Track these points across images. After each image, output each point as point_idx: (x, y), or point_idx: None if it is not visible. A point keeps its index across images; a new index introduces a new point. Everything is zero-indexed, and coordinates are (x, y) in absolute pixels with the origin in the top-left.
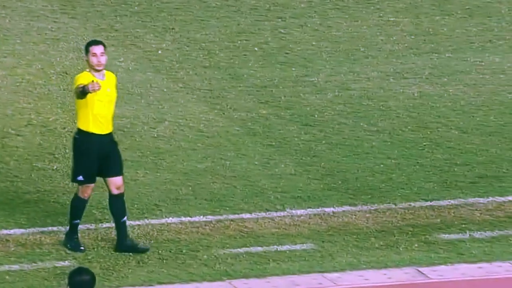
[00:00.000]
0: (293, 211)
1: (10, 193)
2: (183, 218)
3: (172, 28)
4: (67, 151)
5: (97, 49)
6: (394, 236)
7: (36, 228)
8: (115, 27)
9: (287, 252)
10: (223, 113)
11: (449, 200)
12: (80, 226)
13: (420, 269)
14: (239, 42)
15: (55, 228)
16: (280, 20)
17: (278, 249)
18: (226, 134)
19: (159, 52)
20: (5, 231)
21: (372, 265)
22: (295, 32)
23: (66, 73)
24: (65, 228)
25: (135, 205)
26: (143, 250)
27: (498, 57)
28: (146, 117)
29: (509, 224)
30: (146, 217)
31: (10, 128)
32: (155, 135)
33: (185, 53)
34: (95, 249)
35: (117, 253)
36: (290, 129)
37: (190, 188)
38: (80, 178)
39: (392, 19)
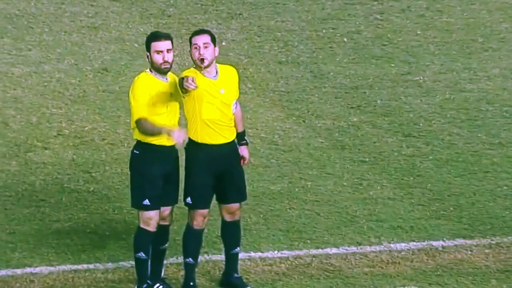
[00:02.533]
0: (392, 245)
1: (36, 221)
2: (252, 254)
3: (240, 14)
4: (106, 168)
5: (200, 40)
6: None
7: (68, 265)
8: (167, 12)
9: None
10: (303, 121)
11: None
12: (122, 264)
13: None
14: (323, 31)
15: (91, 266)
16: (376, 3)
17: None
18: (307, 148)
19: (223, 43)
20: (28, 269)
21: None
22: (394, 18)
23: (106, 70)
24: (103, 266)
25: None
26: None
27: None
28: None
29: None
30: (205, 252)
31: (35, 139)
32: None
33: (256, 45)
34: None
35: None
36: (388, 141)
37: (262, 215)
38: (188, 200)
39: None
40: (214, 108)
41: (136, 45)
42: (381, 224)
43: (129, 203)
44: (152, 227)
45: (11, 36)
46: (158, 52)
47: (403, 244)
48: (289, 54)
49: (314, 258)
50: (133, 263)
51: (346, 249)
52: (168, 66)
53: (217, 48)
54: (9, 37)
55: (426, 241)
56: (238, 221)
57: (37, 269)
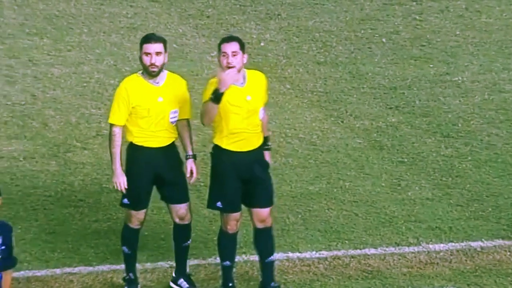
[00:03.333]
0: (430, 246)
1: (75, 221)
2: (290, 254)
3: (278, 14)
4: None
5: (228, 48)
6: None
7: (107, 265)
8: (206, 13)
9: None
10: (342, 122)
11: None
12: (161, 263)
13: None
14: (362, 31)
15: None
16: (414, 3)
17: None
18: (345, 148)
19: (262, 44)
20: (67, 269)
21: None
22: (433, 19)
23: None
24: (142, 266)
25: None
26: None
27: None
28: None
29: None
30: (244, 252)
31: (74, 139)
32: None
33: (294, 45)
34: None
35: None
36: (427, 141)
37: (300, 216)
38: (218, 204)
39: None
40: (240, 119)
41: (174, 45)
42: (419, 225)
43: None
44: (133, 224)
45: (51, 37)
46: (147, 54)
47: (442, 245)
48: (327, 55)
49: (352, 259)
50: (172, 263)
51: (385, 250)
52: (156, 69)
53: (246, 55)
54: (48, 38)
55: (464, 242)
56: (270, 228)
57: (76, 269)
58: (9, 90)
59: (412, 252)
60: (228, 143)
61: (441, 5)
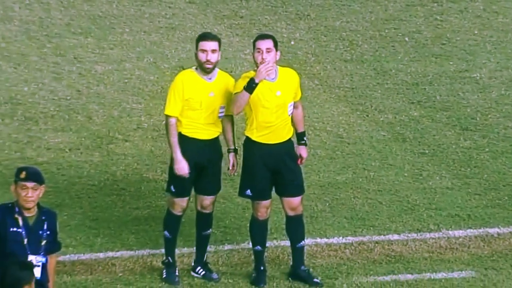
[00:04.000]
0: (450, 232)
1: (117, 208)
2: (318, 240)
3: (308, 15)
4: None
5: (263, 44)
6: None
7: (147, 250)
8: (240, 14)
9: (443, 280)
10: (367, 115)
11: None
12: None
13: None
14: (386, 31)
15: None
16: (435, 4)
17: (432, 277)
18: (370, 140)
19: (292, 43)
20: (110, 253)
21: None
22: (453, 19)
23: (183, 68)
24: (179, 250)
25: None
26: (316, 284)
27: None
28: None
29: None
30: (275, 238)
31: (117, 132)
32: None
33: (322, 44)
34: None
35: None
36: (447, 134)
37: (327, 204)
38: (248, 192)
39: None
40: (269, 112)
41: None
42: (440, 212)
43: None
44: (176, 211)
45: (95, 36)
46: (203, 51)
47: (461, 231)
48: (353, 53)
49: (376, 244)
50: (209, 247)
51: (407, 236)
52: (211, 66)
53: (278, 52)
54: (92, 37)
55: (482, 228)
56: (301, 216)
57: (118, 253)
58: (55, 85)
59: (433, 238)
60: (258, 136)
61: (460, 6)
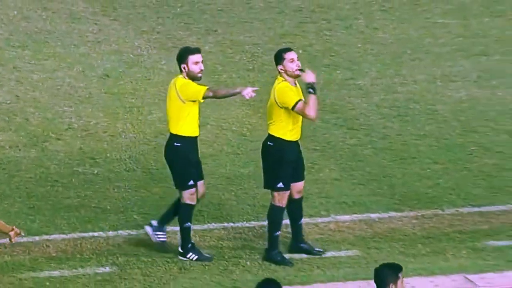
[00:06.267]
0: (338, 217)
1: (51, 198)
2: (225, 224)
3: (215, 30)
4: (108, 155)
5: (295, 54)
6: (442, 243)
7: (77, 233)
8: (157, 29)
9: (332, 258)
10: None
11: (498, 206)
12: (121, 232)
13: (468, 276)
14: (283, 44)
15: (95, 234)
16: (325, 22)
17: (323, 256)
18: None
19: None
20: (45, 237)
21: (419, 272)
22: (340, 34)
23: (107, 76)
24: (105, 234)
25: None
26: (319, 252)
27: None
28: None
29: None
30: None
31: (50, 132)
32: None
33: (228, 56)
34: (136, 255)
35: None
36: (335, 133)
37: (233, 193)
38: (280, 185)
39: (440, 21)
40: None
41: (131, 55)
42: (329, 200)
43: (126, 183)
44: (284, 205)
45: (31, 48)
46: (196, 62)
47: (347, 216)
48: (255, 63)
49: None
50: (130, 231)
51: (302, 220)
52: (202, 74)
53: None
54: (29, 49)
55: (365, 214)
56: (302, 197)
57: (52, 237)
58: None
59: (323, 222)
60: (291, 135)
61: (346, 23)
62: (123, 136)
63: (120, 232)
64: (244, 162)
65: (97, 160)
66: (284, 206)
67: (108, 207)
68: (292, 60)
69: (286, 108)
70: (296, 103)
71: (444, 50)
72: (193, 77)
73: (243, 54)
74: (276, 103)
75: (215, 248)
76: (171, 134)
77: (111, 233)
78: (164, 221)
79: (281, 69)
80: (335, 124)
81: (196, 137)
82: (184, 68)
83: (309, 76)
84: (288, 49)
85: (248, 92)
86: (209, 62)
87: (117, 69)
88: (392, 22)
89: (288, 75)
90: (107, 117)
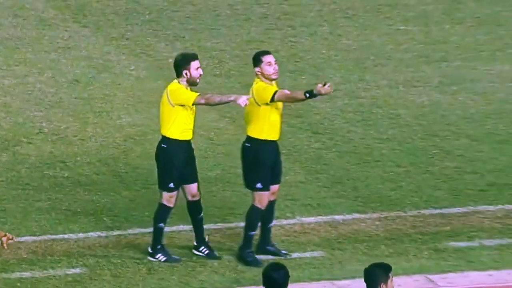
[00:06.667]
0: (303, 219)
1: (22, 200)
2: (191, 226)
3: (183, 37)
4: (78, 159)
5: (273, 58)
6: (404, 244)
7: (48, 235)
8: (126, 36)
9: (297, 259)
10: (234, 121)
11: (459, 208)
12: (91, 234)
13: (429, 276)
14: (249, 50)
15: (66, 236)
16: (290, 28)
17: (288, 258)
18: (236, 142)
19: (170, 60)
20: (17, 238)
21: None
22: (305, 41)
23: (77, 81)
24: (75, 236)
25: (146, 213)
26: (285, 254)
27: (508, 65)
28: (157, 125)
29: None
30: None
31: (21, 136)
32: None
33: None
34: (106, 257)
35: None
36: (300, 137)
37: (201, 196)
38: (259, 186)
39: (401, 27)
40: (278, 112)
41: (101, 61)
42: (294, 202)
43: (96, 186)
44: (264, 206)
45: (2, 54)
46: (197, 68)
47: (312, 218)
48: (222, 69)
49: (241, 229)
50: (100, 233)
51: None
52: (200, 79)
53: None
54: (0, 55)
55: (330, 215)
56: (275, 200)
57: (23, 238)
58: None
59: (289, 224)
60: (268, 134)
61: (310, 30)
62: (93, 140)
63: (90, 234)
64: (211, 166)
65: (68, 164)
66: (263, 208)
67: (79, 210)
68: (269, 63)
69: (265, 106)
70: (274, 93)
71: (406, 56)
72: (192, 83)
73: (210, 60)
74: (256, 102)
75: (183, 249)
76: (161, 136)
77: (81, 235)
78: (199, 238)
79: (258, 71)
80: (300, 128)
81: (186, 141)
82: (186, 73)
83: (321, 90)
84: (267, 52)
85: (244, 100)
86: None
87: (87, 75)
88: (356, 29)
89: (265, 77)
90: (77, 122)
